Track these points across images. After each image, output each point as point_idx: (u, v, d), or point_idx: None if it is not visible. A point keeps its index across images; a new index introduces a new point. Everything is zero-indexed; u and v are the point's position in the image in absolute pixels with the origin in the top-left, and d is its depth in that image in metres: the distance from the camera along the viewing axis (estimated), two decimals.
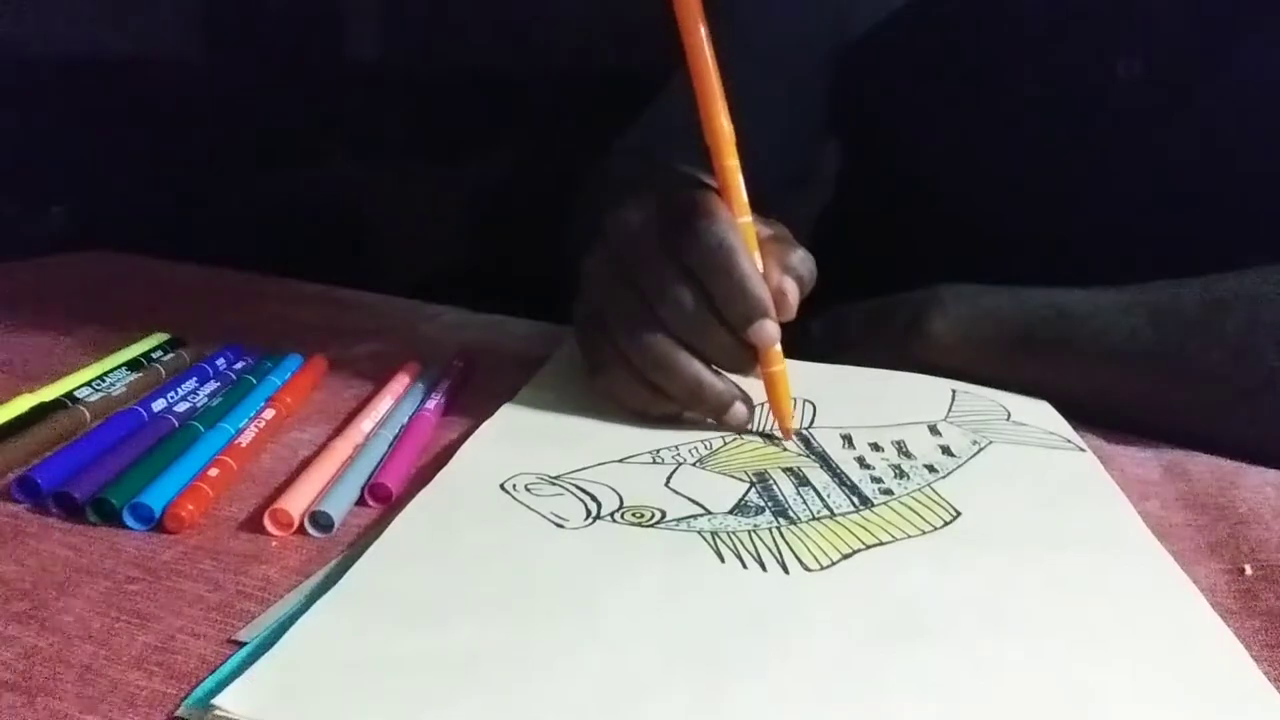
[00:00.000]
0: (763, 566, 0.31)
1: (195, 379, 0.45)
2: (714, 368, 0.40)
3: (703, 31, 0.39)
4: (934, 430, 0.43)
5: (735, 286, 0.38)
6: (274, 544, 0.33)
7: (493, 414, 0.42)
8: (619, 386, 0.41)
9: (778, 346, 0.40)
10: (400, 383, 0.46)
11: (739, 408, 0.41)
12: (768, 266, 0.40)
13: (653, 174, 0.45)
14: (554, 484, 0.36)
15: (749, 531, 0.33)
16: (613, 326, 0.40)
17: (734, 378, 0.41)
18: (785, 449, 0.41)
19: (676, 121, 0.40)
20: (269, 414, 0.41)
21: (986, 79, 0.57)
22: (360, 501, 0.36)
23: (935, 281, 0.50)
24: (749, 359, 0.40)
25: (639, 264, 0.40)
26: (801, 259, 0.41)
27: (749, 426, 0.42)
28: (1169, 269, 0.46)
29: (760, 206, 0.42)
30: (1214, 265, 0.46)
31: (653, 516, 0.34)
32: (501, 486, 0.36)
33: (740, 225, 0.39)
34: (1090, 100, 0.54)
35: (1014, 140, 0.56)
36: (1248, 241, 0.46)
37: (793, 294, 0.40)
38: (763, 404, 0.45)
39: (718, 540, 0.33)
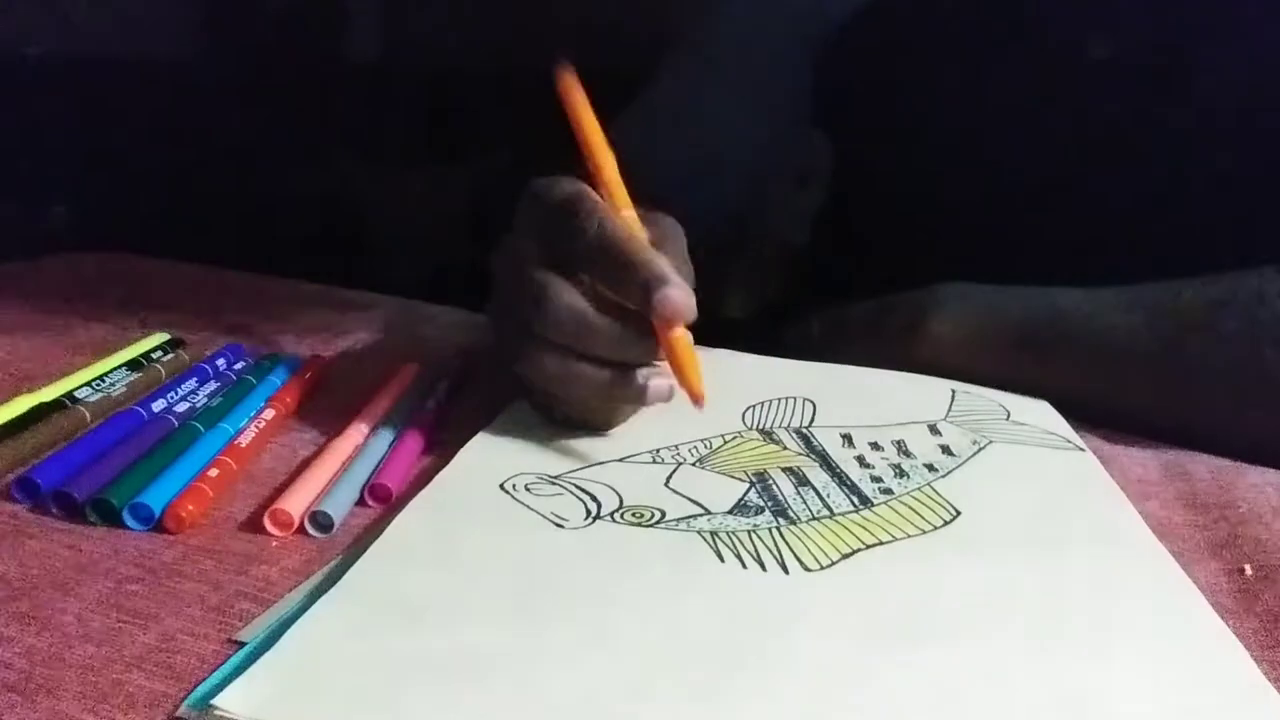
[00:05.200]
0: (762, 566, 0.31)
1: (195, 379, 0.45)
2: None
3: None
4: (934, 430, 0.43)
5: (625, 263, 0.35)
6: (274, 544, 0.33)
7: (492, 414, 0.42)
8: (550, 410, 0.40)
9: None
10: (400, 383, 0.46)
11: (656, 384, 0.38)
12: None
13: (524, 196, 0.42)
14: (554, 484, 0.36)
15: (749, 531, 0.33)
16: (512, 359, 0.39)
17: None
18: (785, 448, 0.41)
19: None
20: (269, 414, 0.41)
21: (965, 67, 0.56)
22: (360, 501, 0.36)
23: (933, 279, 0.50)
24: (643, 341, 0.37)
25: (515, 287, 0.38)
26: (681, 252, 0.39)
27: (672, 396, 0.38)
28: (1162, 259, 0.46)
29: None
30: (1205, 255, 0.45)
31: (652, 516, 0.34)
32: (501, 486, 0.36)
33: (623, 217, 0.38)
34: (1075, 86, 0.53)
35: (996, 129, 0.55)
36: (1240, 229, 0.46)
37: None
38: (763, 403, 0.45)
39: (717, 540, 0.33)
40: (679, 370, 0.37)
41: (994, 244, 0.50)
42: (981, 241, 0.51)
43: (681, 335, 0.37)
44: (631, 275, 0.35)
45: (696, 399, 0.37)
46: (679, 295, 0.35)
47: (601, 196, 0.39)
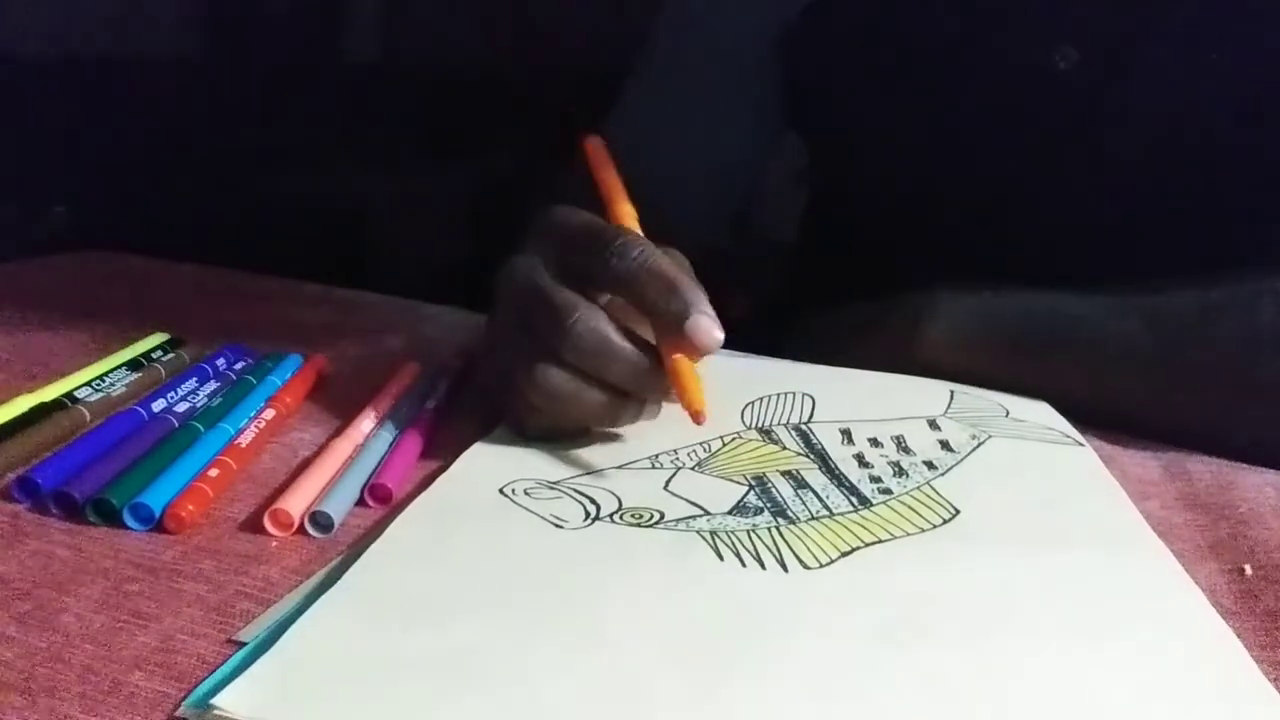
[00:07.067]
0: (761, 565, 0.31)
1: (195, 379, 0.45)
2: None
3: None
4: (933, 424, 0.43)
5: (668, 287, 0.37)
6: (274, 544, 0.33)
7: (491, 415, 0.42)
8: (545, 429, 0.40)
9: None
10: (400, 383, 0.46)
11: (649, 409, 0.40)
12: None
13: (538, 220, 0.43)
14: (553, 488, 0.36)
15: (748, 531, 0.33)
16: (516, 376, 0.39)
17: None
18: (784, 448, 0.41)
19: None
20: (269, 414, 0.41)
21: (923, 69, 0.55)
22: (360, 502, 0.36)
23: (925, 281, 0.50)
24: (657, 376, 0.38)
25: (531, 308, 0.38)
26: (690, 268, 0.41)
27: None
28: (1155, 261, 0.46)
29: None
30: (1197, 257, 0.45)
31: (651, 517, 0.34)
32: (500, 491, 0.36)
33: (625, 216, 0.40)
34: (1032, 89, 0.53)
35: (956, 130, 0.54)
36: (1233, 231, 0.46)
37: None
38: (762, 398, 0.45)
39: (716, 539, 0.33)
40: (682, 390, 0.38)
41: (985, 245, 0.50)
42: (972, 242, 0.51)
43: (684, 358, 0.38)
44: (673, 297, 0.37)
45: (698, 419, 0.37)
46: (712, 325, 0.37)
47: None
